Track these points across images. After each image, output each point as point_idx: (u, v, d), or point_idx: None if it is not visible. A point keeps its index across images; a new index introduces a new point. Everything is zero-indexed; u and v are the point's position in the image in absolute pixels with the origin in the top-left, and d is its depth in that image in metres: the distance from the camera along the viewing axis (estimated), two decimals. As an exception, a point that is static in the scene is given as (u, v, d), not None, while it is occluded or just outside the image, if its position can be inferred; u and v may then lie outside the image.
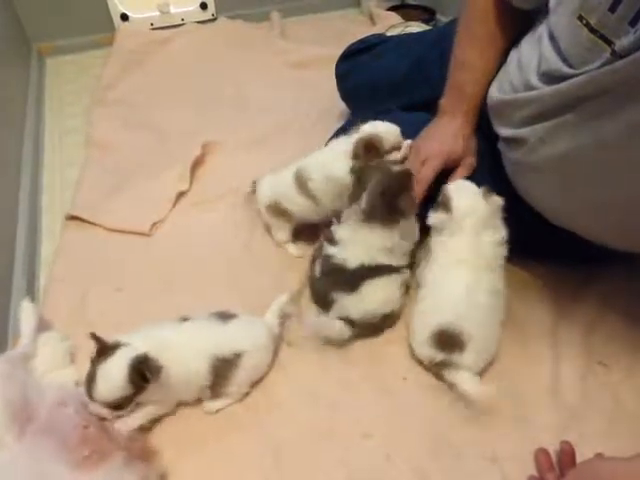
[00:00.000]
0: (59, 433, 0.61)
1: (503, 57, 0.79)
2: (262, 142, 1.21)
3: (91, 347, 0.77)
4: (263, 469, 0.68)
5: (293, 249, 0.96)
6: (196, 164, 1.13)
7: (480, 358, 0.75)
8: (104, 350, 0.64)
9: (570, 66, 0.62)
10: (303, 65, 1.50)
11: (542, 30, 0.70)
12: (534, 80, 0.68)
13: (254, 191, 0.96)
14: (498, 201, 0.76)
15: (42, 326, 0.78)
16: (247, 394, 0.75)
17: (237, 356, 0.71)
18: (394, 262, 0.79)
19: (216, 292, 0.88)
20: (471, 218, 0.75)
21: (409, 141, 0.85)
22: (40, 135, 1.27)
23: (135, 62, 1.48)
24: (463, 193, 0.77)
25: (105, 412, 0.64)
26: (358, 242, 0.78)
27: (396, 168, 0.77)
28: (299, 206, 0.89)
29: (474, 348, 0.73)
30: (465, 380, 0.72)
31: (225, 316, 0.75)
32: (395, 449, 0.70)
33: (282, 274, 0.91)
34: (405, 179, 0.76)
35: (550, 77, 0.65)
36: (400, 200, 0.75)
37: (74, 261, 0.95)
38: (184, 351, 0.69)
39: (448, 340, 0.73)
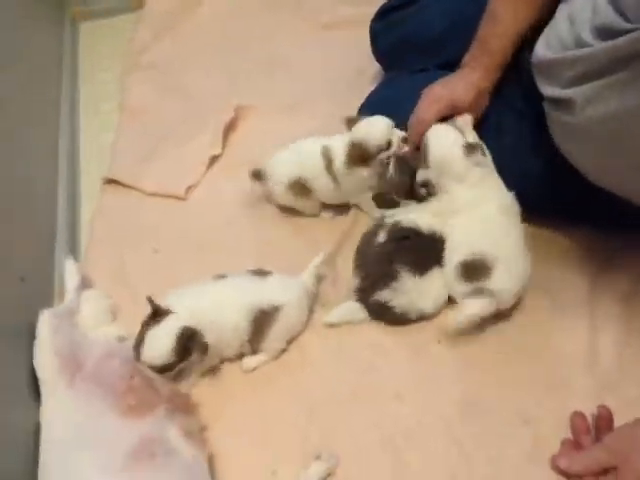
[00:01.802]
0: (106, 382, 0.64)
1: (539, 15, 0.75)
2: (294, 106, 1.20)
3: (131, 305, 0.81)
4: (297, 427, 0.70)
5: (326, 213, 0.95)
6: (228, 128, 1.13)
7: (512, 277, 0.73)
8: (155, 314, 0.67)
9: (627, 20, 0.59)
10: (336, 26, 1.45)
11: None
12: (586, 35, 0.64)
13: (257, 176, 0.91)
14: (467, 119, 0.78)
15: (85, 284, 0.82)
16: (282, 352, 0.76)
17: (275, 309, 0.73)
18: None
19: (249, 254, 0.89)
20: (451, 167, 0.74)
21: (401, 133, 0.83)
22: (76, 100, 1.29)
23: (166, 26, 1.47)
24: (437, 142, 0.76)
25: (150, 372, 0.66)
26: None
27: None
28: (321, 186, 0.88)
29: (502, 269, 0.72)
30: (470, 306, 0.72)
31: (261, 273, 0.76)
32: (427, 411, 0.71)
33: (315, 236, 0.92)
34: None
35: (604, 32, 0.61)
36: None
37: (112, 223, 0.97)
38: (226, 305, 0.71)
39: (474, 270, 0.73)
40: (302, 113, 1.16)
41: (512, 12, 0.77)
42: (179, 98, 1.23)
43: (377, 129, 0.83)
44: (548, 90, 0.72)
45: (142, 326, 0.67)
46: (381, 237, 0.76)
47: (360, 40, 1.13)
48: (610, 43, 0.60)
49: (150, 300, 0.67)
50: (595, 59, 0.62)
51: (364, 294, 0.78)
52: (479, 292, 0.73)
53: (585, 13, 0.66)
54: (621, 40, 0.58)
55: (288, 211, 0.96)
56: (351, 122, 0.86)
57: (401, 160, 0.82)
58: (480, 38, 0.82)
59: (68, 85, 1.29)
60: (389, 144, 0.83)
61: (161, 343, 0.65)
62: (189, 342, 0.66)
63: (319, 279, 0.82)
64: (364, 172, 0.85)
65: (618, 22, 0.59)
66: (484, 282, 0.72)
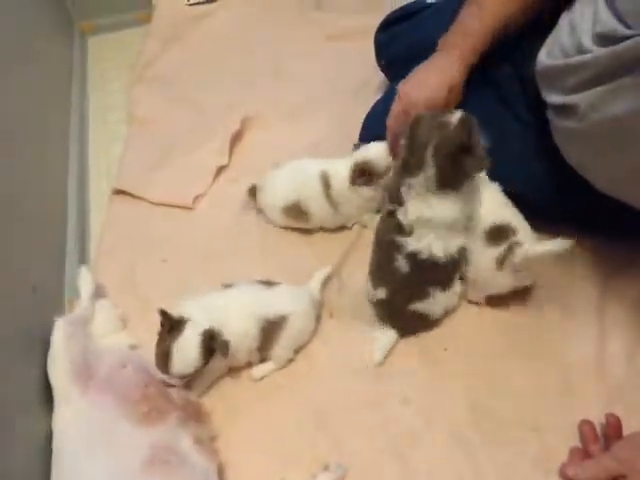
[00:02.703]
0: (120, 390, 0.65)
1: (524, 11, 0.75)
2: (300, 116, 1.21)
3: (140, 314, 0.82)
4: (305, 435, 0.71)
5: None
6: (235, 139, 1.14)
7: (530, 235, 0.75)
8: (173, 326, 0.68)
9: (627, 27, 0.59)
10: (340, 36, 1.47)
11: None
12: (587, 42, 0.65)
13: (254, 193, 0.94)
14: None
15: (97, 293, 0.83)
16: (290, 362, 0.77)
17: (283, 319, 0.74)
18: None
19: (257, 263, 0.90)
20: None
21: None
22: (85, 112, 1.31)
23: (173, 38, 1.49)
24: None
25: (176, 381, 0.68)
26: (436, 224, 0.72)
27: (451, 116, 0.68)
28: (320, 209, 0.89)
29: (522, 227, 0.74)
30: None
31: (269, 283, 0.78)
32: (434, 416, 0.71)
33: (322, 246, 0.92)
34: (468, 128, 0.68)
35: (605, 39, 0.62)
36: (469, 156, 0.68)
37: (121, 234, 0.98)
38: (236, 315, 0.72)
39: (501, 233, 0.74)
40: (308, 124, 1.18)
41: (499, 1, 0.76)
42: (186, 109, 1.25)
43: (384, 150, 0.84)
44: (552, 97, 0.73)
45: (161, 339, 0.68)
46: (403, 266, 0.73)
47: (365, 51, 1.15)
48: (611, 49, 0.60)
49: (164, 313, 0.68)
50: (597, 65, 0.63)
51: (392, 306, 0.77)
52: (511, 249, 0.73)
53: (586, 21, 0.67)
54: (622, 46, 0.59)
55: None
56: (357, 147, 0.88)
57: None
58: (460, 20, 0.80)
59: (77, 97, 1.32)
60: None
61: (189, 352, 0.67)
62: (212, 343, 0.67)
63: (325, 288, 0.82)
64: (367, 192, 0.87)
65: (619, 29, 0.60)
66: (514, 238, 0.74)
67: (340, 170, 0.88)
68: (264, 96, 1.27)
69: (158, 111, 1.25)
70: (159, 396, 0.65)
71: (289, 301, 0.76)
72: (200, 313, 0.69)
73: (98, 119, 1.30)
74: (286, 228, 0.96)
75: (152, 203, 1.03)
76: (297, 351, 0.78)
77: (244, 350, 0.74)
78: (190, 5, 1.64)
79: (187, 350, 0.66)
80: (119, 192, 1.05)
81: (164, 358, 0.66)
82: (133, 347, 0.76)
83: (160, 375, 0.67)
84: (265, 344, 0.74)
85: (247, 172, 1.07)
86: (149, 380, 0.67)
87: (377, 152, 0.85)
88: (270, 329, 0.73)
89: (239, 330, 0.72)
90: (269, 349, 0.75)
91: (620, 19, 0.61)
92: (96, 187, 1.13)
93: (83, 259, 0.97)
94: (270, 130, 1.18)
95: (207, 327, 0.68)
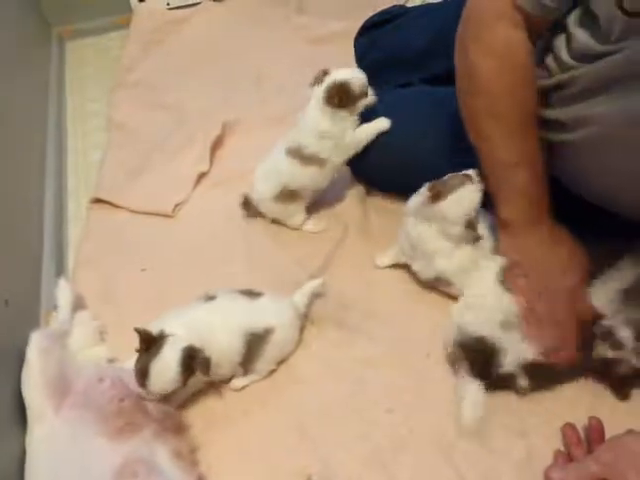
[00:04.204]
0: (96, 406, 0.63)
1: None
2: (282, 121, 1.19)
3: (119, 326, 0.80)
4: (288, 445, 0.70)
5: (311, 226, 0.95)
6: (216, 145, 1.13)
7: None
8: (152, 342, 0.65)
9: (605, 42, 0.60)
10: (323, 40, 1.46)
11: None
12: (566, 59, 0.65)
13: (246, 203, 0.95)
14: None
15: (77, 305, 0.81)
16: (272, 371, 0.76)
17: (267, 332, 0.72)
18: None
19: (238, 271, 0.89)
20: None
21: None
22: (63, 119, 1.29)
23: (154, 43, 1.47)
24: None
25: (153, 398, 0.65)
26: None
27: None
28: (308, 178, 0.89)
29: None
30: None
31: (252, 294, 0.76)
32: (418, 424, 0.71)
33: (304, 252, 0.91)
34: None
35: (583, 56, 0.62)
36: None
37: (99, 243, 0.97)
38: (220, 330, 0.70)
39: None
40: (290, 128, 1.17)
41: (524, 142, 0.69)
42: (166, 115, 1.24)
43: (361, 75, 0.86)
44: (539, 112, 0.73)
45: (140, 355, 0.65)
46: None
47: (348, 54, 1.14)
48: (591, 66, 0.61)
49: (140, 332, 0.65)
50: (578, 81, 0.63)
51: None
52: None
53: (560, 41, 0.67)
54: (601, 63, 0.59)
55: (277, 227, 0.96)
56: (322, 75, 0.87)
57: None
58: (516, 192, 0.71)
59: (55, 103, 1.29)
60: (367, 94, 0.86)
61: (168, 371, 0.64)
62: (192, 361, 0.65)
63: (310, 297, 0.81)
64: (343, 115, 0.86)
65: (596, 46, 0.60)
66: None
67: (299, 132, 0.88)
68: (246, 101, 1.26)
69: (138, 117, 1.23)
70: (135, 410, 0.64)
71: (274, 314, 0.74)
72: (181, 329, 0.67)
73: (77, 126, 1.28)
74: (269, 234, 0.95)
75: (131, 211, 1.01)
76: (280, 362, 0.77)
77: (227, 365, 0.72)
78: (170, 9, 1.62)
79: (166, 369, 0.64)
80: (98, 200, 1.03)
81: (142, 376, 0.64)
82: (111, 361, 0.74)
83: (138, 390, 0.65)
84: (249, 358, 0.72)
85: (228, 179, 1.07)
86: (125, 394, 0.65)
87: (352, 73, 0.86)
88: (255, 343, 0.72)
89: (223, 346, 0.70)
90: (253, 362, 0.73)
91: (598, 37, 0.61)
92: (74, 195, 1.11)
93: (60, 270, 0.94)
94: (252, 136, 1.17)
95: (187, 345, 0.65)
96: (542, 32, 0.67)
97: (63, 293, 0.81)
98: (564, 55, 0.65)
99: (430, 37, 0.93)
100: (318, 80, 0.87)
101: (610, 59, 0.58)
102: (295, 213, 0.94)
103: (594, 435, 0.65)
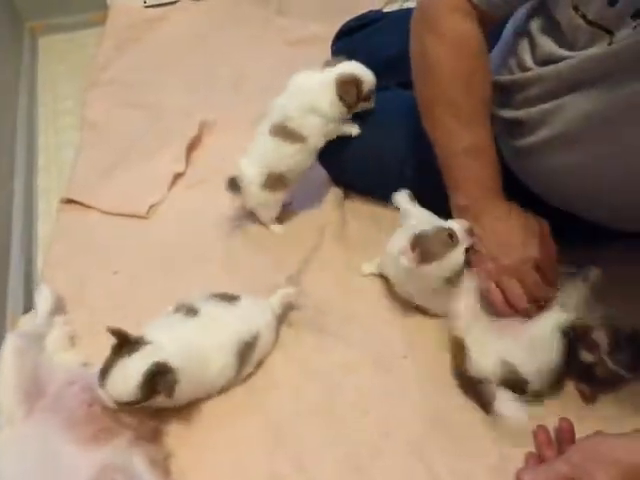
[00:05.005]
0: (66, 411, 0.62)
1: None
2: (259, 122, 1.19)
3: (90, 330, 0.78)
4: (264, 448, 0.69)
5: (279, 228, 0.95)
6: (192, 144, 1.11)
7: None
8: (126, 344, 0.62)
9: (569, 49, 0.61)
10: (302, 42, 1.46)
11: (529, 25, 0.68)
12: (528, 61, 0.67)
13: (233, 184, 0.90)
14: None
15: (57, 308, 0.79)
16: (249, 375, 0.75)
17: (255, 338, 0.72)
18: None
19: (214, 274, 0.88)
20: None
21: None
22: (34, 116, 1.26)
23: (129, 41, 1.45)
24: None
25: (112, 404, 0.62)
26: None
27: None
28: (292, 156, 0.87)
29: None
30: None
31: (229, 298, 0.74)
32: (393, 427, 0.71)
33: (281, 254, 0.91)
34: None
35: (546, 60, 0.64)
36: None
37: (71, 244, 0.94)
38: (214, 350, 0.69)
39: None
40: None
41: (479, 128, 0.70)
42: (142, 114, 1.21)
43: (371, 76, 0.86)
44: (502, 112, 0.74)
45: (112, 352, 0.62)
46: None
47: (328, 57, 1.14)
48: (552, 67, 0.62)
49: (115, 332, 0.62)
50: (540, 83, 0.64)
51: None
52: None
53: (523, 43, 0.68)
54: (562, 64, 0.61)
55: (253, 230, 0.95)
56: (337, 61, 0.87)
57: None
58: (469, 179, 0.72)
59: (25, 101, 1.26)
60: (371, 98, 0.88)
61: (128, 378, 0.59)
62: (158, 378, 0.60)
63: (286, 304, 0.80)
64: (344, 108, 0.85)
65: (558, 51, 0.62)
66: None
67: (286, 103, 0.87)
68: (224, 102, 1.25)
69: (112, 116, 1.20)
70: (105, 416, 0.62)
71: (258, 318, 0.73)
72: (167, 340, 0.64)
73: (48, 124, 1.25)
74: (245, 236, 0.94)
75: (104, 212, 0.99)
76: (258, 365, 0.76)
77: (224, 381, 0.71)
78: (147, 7, 1.59)
79: (126, 377, 0.60)
80: (69, 201, 1.01)
81: (102, 376, 0.60)
82: (84, 365, 0.72)
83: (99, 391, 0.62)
84: (241, 368, 0.72)
85: (205, 180, 1.05)
86: (94, 399, 0.63)
87: (367, 74, 0.86)
88: (246, 351, 0.71)
89: (220, 364, 0.69)
90: (243, 371, 0.72)
91: (561, 43, 0.62)
92: (44, 195, 1.08)
93: (29, 272, 0.92)
94: (230, 137, 1.15)
95: (160, 360, 0.61)
96: (494, 25, 0.70)
97: (44, 296, 0.79)
98: (528, 60, 0.66)
99: (406, 42, 0.94)
100: (330, 63, 0.87)
101: (571, 61, 0.59)
102: (271, 207, 0.93)
103: (564, 436, 0.66)
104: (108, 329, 0.62)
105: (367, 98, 0.87)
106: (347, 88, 0.84)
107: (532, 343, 0.70)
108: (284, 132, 0.87)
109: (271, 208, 0.94)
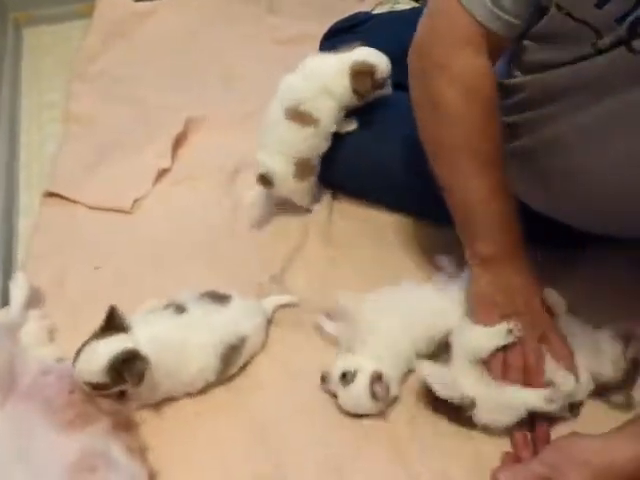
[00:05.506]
0: (42, 398, 0.61)
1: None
2: (247, 120, 1.18)
3: (69, 325, 0.77)
4: (245, 449, 0.69)
5: (317, 206, 0.95)
6: (179, 141, 1.10)
7: None
8: (109, 326, 0.63)
9: (554, 50, 0.62)
10: (291, 41, 1.46)
11: None
12: (514, 70, 0.68)
13: (266, 182, 0.88)
14: None
15: (34, 301, 0.79)
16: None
17: (242, 341, 0.71)
18: None
19: (199, 271, 0.87)
20: None
21: None
22: (17, 109, 1.23)
23: (117, 34, 1.43)
24: None
25: (84, 387, 0.62)
26: None
27: None
28: (305, 140, 0.86)
29: None
30: None
31: (219, 298, 0.74)
32: (374, 427, 0.71)
33: (266, 252, 0.91)
34: None
35: (530, 66, 0.65)
36: None
37: (52, 238, 0.93)
38: (195, 347, 0.69)
39: None
40: (255, 127, 1.16)
41: (494, 173, 0.66)
42: (128, 109, 1.20)
43: (386, 62, 0.85)
44: None
45: (93, 334, 0.63)
46: None
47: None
48: (537, 76, 0.63)
49: (110, 310, 0.63)
50: (525, 90, 0.65)
51: None
52: None
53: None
54: (547, 74, 0.61)
55: (238, 227, 0.95)
56: (354, 46, 0.86)
57: None
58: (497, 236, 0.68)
59: (8, 93, 1.24)
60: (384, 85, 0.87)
61: (95, 360, 0.60)
62: (125, 367, 0.61)
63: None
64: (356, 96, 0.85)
65: (542, 56, 0.62)
66: None
67: (311, 75, 0.87)
68: (211, 98, 1.24)
69: (97, 109, 1.19)
70: (86, 402, 0.62)
71: (247, 321, 0.73)
72: (147, 333, 0.65)
73: (32, 116, 1.23)
74: (230, 232, 0.93)
75: (88, 207, 0.98)
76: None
77: (202, 383, 0.71)
78: (136, 1, 1.58)
79: (95, 357, 0.60)
80: (52, 194, 0.99)
81: (77, 351, 0.61)
82: (60, 360, 0.71)
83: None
84: (224, 370, 0.71)
85: (191, 176, 1.05)
86: (75, 386, 0.63)
87: (380, 59, 0.84)
88: (230, 354, 0.71)
89: (201, 364, 0.69)
90: (226, 373, 0.72)
91: (545, 46, 0.63)
92: (26, 188, 1.06)
93: (9, 267, 0.90)
94: (216, 133, 1.15)
95: (130, 347, 0.62)
96: (503, 52, 0.66)
97: (19, 286, 0.78)
98: (513, 67, 0.67)
99: (395, 45, 0.94)
100: (347, 49, 0.86)
101: (557, 72, 0.60)
102: (310, 190, 0.93)
103: (540, 436, 0.67)
104: (111, 307, 0.63)
105: (382, 85, 0.86)
106: (361, 79, 0.83)
107: None
108: (298, 116, 0.85)
109: (306, 194, 0.93)
